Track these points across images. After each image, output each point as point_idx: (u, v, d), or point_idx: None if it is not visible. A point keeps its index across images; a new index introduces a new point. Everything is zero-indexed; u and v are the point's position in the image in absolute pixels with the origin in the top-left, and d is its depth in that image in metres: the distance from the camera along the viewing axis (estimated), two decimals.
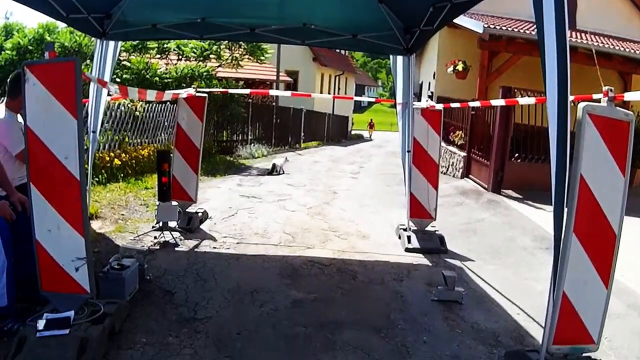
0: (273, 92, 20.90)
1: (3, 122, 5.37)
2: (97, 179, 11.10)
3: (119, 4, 7.60)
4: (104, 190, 10.83)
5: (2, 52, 14.57)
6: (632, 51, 16.56)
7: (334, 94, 47.25)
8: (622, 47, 16.91)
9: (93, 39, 8.61)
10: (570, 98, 3.62)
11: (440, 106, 8.85)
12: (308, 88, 38.70)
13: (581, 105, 3.70)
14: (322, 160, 22.02)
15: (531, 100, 8.83)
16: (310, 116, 33.54)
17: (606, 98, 3.82)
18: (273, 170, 16.40)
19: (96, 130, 7.96)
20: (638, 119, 16.81)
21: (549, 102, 3.51)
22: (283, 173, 16.46)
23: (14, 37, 14.82)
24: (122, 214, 9.32)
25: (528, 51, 15.48)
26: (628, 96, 4.84)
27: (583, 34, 17.51)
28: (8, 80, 5.55)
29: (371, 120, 56.62)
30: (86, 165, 8.51)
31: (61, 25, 14.98)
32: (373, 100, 31.56)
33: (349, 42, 8.87)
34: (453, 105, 11.55)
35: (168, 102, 15.16)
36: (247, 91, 15.48)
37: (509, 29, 15.95)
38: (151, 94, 8.22)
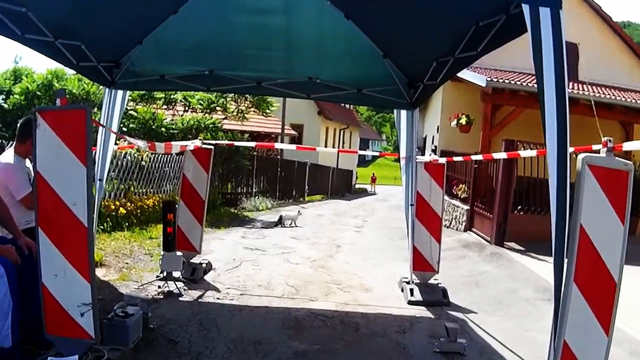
0: (278, 145, 21.04)
1: (12, 166, 5.47)
2: (102, 227, 11.13)
3: (129, 53, 7.74)
4: (109, 239, 10.85)
5: (11, 97, 14.71)
6: (634, 101, 16.77)
7: (339, 147, 47.48)
8: (624, 97, 17.16)
9: (101, 87, 8.75)
10: (570, 149, 3.69)
11: (443, 160, 8.94)
12: (313, 141, 38.96)
13: (581, 156, 3.77)
14: (326, 214, 22.02)
15: (532, 153, 8.92)
16: (315, 170, 33.66)
17: (605, 149, 3.89)
18: (279, 222, 16.45)
19: (103, 178, 8.04)
20: (638, 168, 16.80)
21: (549, 153, 3.57)
22: (295, 225, 16.50)
23: (22, 82, 14.97)
24: (127, 263, 9.35)
25: (530, 104, 15.67)
26: (627, 146, 4.91)
27: (584, 85, 17.66)
28: (18, 124, 5.65)
29: (373, 174, 57.01)
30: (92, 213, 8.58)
31: (69, 72, 15.15)
32: (377, 154, 31.81)
33: (353, 96, 8.97)
34: (456, 159, 11.63)
35: (174, 153, 15.26)
36: (252, 144, 15.63)
37: (512, 82, 16.17)
38: (160, 147, 8.32)
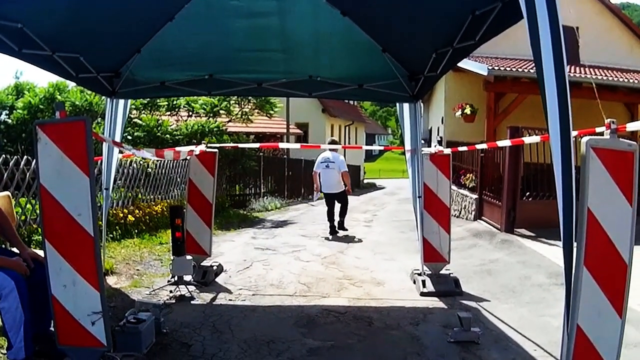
0: (283, 145, 20.99)
1: None
2: (111, 235, 11.12)
3: (127, 62, 7.77)
4: (119, 246, 10.86)
5: (14, 112, 14.78)
6: (637, 82, 16.71)
7: (345, 143, 47.43)
8: (626, 78, 17.10)
9: (103, 97, 8.78)
10: (574, 133, 3.66)
11: (448, 151, 8.93)
12: (319, 139, 38.83)
13: (584, 139, 3.74)
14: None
15: (536, 139, 8.89)
16: None
17: (609, 130, 3.86)
18: None
19: (109, 187, 8.06)
20: None
21: (552, 138, 3.54)
22: None
23: (25, 97, 15.03)
24: (138, 269, 9.36)
25: (534, 90, 15.34)
26: (631, 126, 4.88)
27: (585, 68, 17.60)
28: None
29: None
30: (100, 222, 8.60)
31: (71, 84, 15.16)
32: (382, 148, 31.75)
33: (355, 92, 8.99)
34: (461, 148, 11.59)
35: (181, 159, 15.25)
36: (257, 145, 15.64)
37: (513, 69, 16.15)
38: (169, 154, 8.32)
